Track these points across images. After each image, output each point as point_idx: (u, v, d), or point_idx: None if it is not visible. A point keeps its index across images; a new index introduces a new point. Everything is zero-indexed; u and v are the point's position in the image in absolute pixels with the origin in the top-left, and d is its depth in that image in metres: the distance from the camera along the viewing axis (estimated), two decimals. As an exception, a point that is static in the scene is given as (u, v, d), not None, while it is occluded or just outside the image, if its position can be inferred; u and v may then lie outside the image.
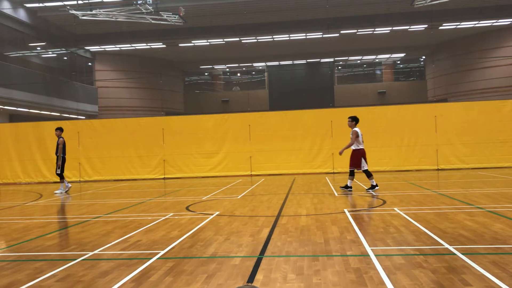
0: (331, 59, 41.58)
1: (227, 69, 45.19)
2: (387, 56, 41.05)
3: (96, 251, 5.54)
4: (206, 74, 45.93)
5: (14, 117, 29.05)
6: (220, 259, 5.01)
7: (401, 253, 4.99)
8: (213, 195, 11.99)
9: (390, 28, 30.27)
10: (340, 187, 12.02)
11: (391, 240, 5.62)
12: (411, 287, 3.83)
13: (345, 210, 8.19)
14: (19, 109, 28.27)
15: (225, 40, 32.27)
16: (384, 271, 4.28)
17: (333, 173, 18.36)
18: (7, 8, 26.29)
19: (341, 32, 30.72)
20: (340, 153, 11.96)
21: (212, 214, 8.23)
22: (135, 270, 4.60)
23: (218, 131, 19.06)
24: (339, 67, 43.72)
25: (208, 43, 33.10)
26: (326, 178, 16.31)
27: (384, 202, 9.23)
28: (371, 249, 5.18)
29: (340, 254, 5.02)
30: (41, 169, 19.64)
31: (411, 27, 30.21)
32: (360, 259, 4.79)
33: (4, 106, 27.18)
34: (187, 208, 9.33)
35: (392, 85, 41.51)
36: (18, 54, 31.22)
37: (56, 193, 14.11)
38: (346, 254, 4.99)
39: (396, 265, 4.49)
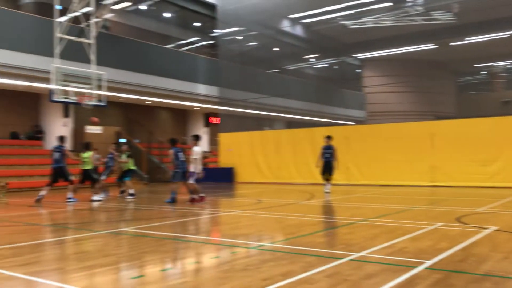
0: None
1: (510, 66, 40.03)
2: None
3: (362, 253, 5.63)
4: (482, 73, 41.76)
5: (290, 124, 32.36)
6: (496, 278, 4.43)
7: None
8: (489, 207, 10.77)
9: None
10: None
11: None
12: None
13: None
14: (294, 116, 31.36)
15: (508, 33, 28.66)
16: None
17: None
18: (287, 26, 29.51)
19: None
20: None
21: (488, 229, 7.38)
22: (400, 276, 4.48)
23: (496, 136, 17.02)
24: None
25: (486, 39, 30.00)
26: None
27: None
28: None
29: None
30: (313, 171, 21.25)
31: None
32: None
33: (283, 114, 30.60)
34: (457, 220, 8.62)
35: None
36: (294, 67, 34.67)
37: (326, 192, 14.97)
38: None
39: None
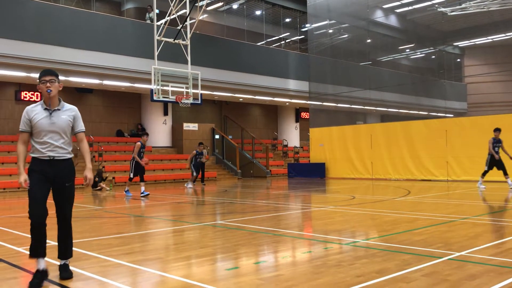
0: None
1: None
2: None
3: (463, 253, 5.32)
4: None
5: (385, 117, 31.34)
6: None
7: None
8: None
9: None
10: None
11: None
12: None
13: None
14: (389, 109, 30.31)
15: None
16: None
17: None
18: (380, 16, 28.57)
19: None
20: None
21: None
22: (507, 279, 4.17)
23: None
24: None
25: None
26: None
27: None
28: None
29: None
30: (409, 166, 20.44)
31: None
32: None
33: (376, 107, 29.71)
34: None
35: None
36: (388, 58, 33.48)
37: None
38: None
39: None
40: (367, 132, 22.34)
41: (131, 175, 14.21)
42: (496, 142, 14.34)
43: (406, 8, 28.05)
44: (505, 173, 14.26)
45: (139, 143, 14.22)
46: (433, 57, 35.58)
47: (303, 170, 24.29)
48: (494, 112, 29.88)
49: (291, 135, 32.35)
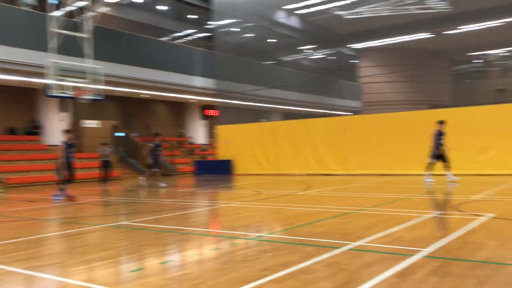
0: None
1: (505, 54, 40.06)
2: None
3: (360, 242, 5.68)
4: (477, 61, 41.78)
5: (287, 115, 32.42)
6: (493, 265, 4.49)
7: None
8: (485, 195, 10.85)
9: None
10: None
11: None
12: None
13: None
14: (292, 107, 31.38)
15: (503, 20, 28.65)
16: None
17: None
18: (282, 17, 29.44)
19: None
20: None
21: (485, 216, 7.44)
22: (398, 264, 4.53)
23: (491, 124, 17.10)
24: None
25: (481, 27, 30.00)
26: None
27: None
28: None
29: None
30: (310, 162, 21.34)
31: None
32: None
33: (280, 105, 30.60)
34: (454, 208, 8.69)
35: None
36: (290, 58, 34.63)
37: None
38: None
39: None
40: (271, 130, 22.95)
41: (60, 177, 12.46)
42: (440, 134, 14.50)
43: (306, 10, 29.18)
44: (447, 167, 14.49)
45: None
46: (332, 58, 37.45)
47: (210, 167, 24.32)
48: (386, 110, 32.24)
49: (198, 132, 32.25)
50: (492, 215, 7.55)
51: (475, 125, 17.43)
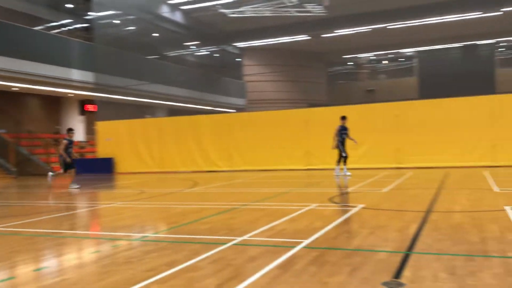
0: (492, 41, 37.61)
1: (373, 57, 43.80)
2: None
3: (245, 237, 5.81)
4: (350, 63, 45.11)
5: (173, 112, 32.01)
6: (365, 252, 4.89)
7: None
8: (358, 187, 11.77)
9: None
10: None
11: None
12: None
13: (506, 208, 7.38)
14: (177, 104, 31.03)
15: (370, 27, 31.28)
16: (556, 278, 3.75)
17: (494, 166, 16.66)
18: (166, 12, 28.93)
19: (503, 9, 27.59)
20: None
21: (357, 207, 8.07)
22: (280, 257, 4.72)
23: (363, 122, 18.57)
24: (501, 49, 39.38)
25: (352, 32, 32.43)
26: (485, 172, 14.86)
27: (556, 200, 8.10)
28: (540, 252, 4.58)
29: (500, 255, 4.53)
30: (196, 159, 21.32)
31: None
32: (526, 263, 4.27)
33: (164, 101, 30.09)
34: (330, 200, 9.30)
35: None
36: (175, 54, 34.22)
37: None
38: (507, 256, 4.49)
39: None
40: (156, 126, 22.48)
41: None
42: (343, 130, 15.18)
43: (190, 6, 29.03)
44: (339, 161, 15.32)
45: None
46: (216, 55, 37.75)
47: (89, 166, 23.06)
48: (269, 108, 33.36)
49: (76, 129, 30.36)
50: (362, 205, 8.21)
51: (348, 123, 18.76)
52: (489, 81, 36.16)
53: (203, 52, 38.00)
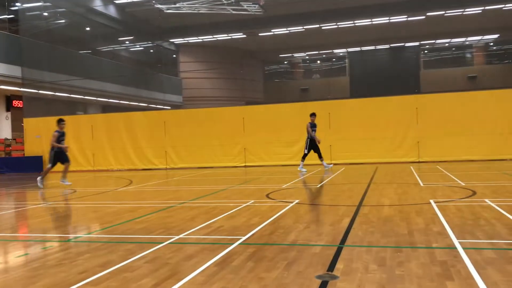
0: (417, 43, 39.72)
1: (307, 57, 44.79)
2: (478, 38, 38.41)
3: (181, 235, 5.78)
4: (285, 62, 45.86)
5: (106, 108, 31.01)
6: (300, 247, 5.02)
7: (493, 247, 4.70)
8: (292, 183, 12.02)
9: (482, 8, 28.28)
10: None
11: (481, 233, 5.31)
12: (504, 283, 3.59)
13: (431, 201, 7.84)
14: (110, 100, 30.11)
15: (304, 27, 31.98)
16: (473, 265, 4.06)
17: (419, 162, 17.64)
18: (99, 5, 27.97)
19: (428, 14, 29.22)
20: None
21: (292, 202, 8.26)
22: (218, 254, 4.75)
23: (298, 119, 18.96)
24: (425, 51, 41.67)
25: (288, 31, 32.99)
26: (411, 167, 15.70)
27: (474, 193, 8.72)
28: (459, 242, 4.92)
29: (425, 246, 4.83)
30: (131, 157, 20.82)
31: (506, 5, 27.99)
32: (447, 251, 4.57)
33: (97, 97, 29.09)
34: (267, 196, 9.44)
35: (484, 69, 38.83)
36: (108, 49, 33.17)
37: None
38: (431, 246, 4.79)
39: (486, 259, 4.23)
40: (88, 123, 21.70)
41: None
42: (313, 126, 15.26)
43: (124, 1, 28.27)
44: (320, 156, 15.45)
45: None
46: (152, 51, 37.00)
47: (17, 165, 21.88)
48: (205, 105, 33.21)
49: (2, 126, 28.64)
50: (297, 201, 8.41)
51: (283, 121, 19.14)
52: (415, 82, 38.18)
53: (138, 47, 37.13)
